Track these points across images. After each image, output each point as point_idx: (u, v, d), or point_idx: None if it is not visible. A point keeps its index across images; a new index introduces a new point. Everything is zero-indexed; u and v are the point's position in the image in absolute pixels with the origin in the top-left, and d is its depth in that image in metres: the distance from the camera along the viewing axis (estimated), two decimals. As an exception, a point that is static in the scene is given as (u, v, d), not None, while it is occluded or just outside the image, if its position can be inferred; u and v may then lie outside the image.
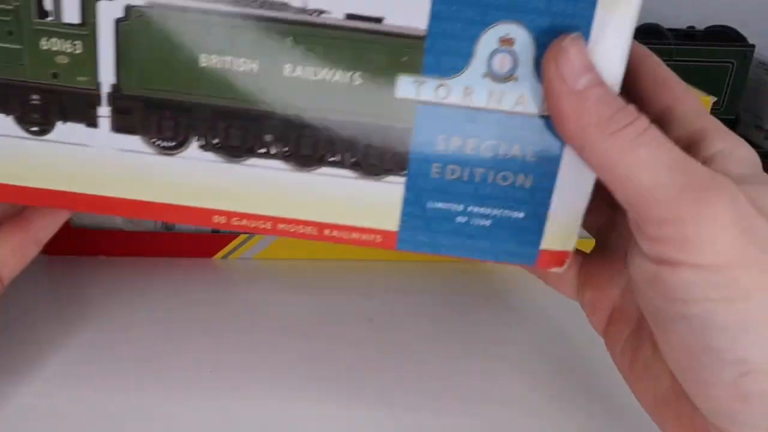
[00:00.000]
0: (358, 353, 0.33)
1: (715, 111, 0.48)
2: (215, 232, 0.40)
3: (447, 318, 0.36)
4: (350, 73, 0.22)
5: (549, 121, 0.22)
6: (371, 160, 0.23)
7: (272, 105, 0.22)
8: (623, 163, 0.20)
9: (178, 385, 0.30)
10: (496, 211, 0.23)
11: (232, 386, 0.30)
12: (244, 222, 0.24)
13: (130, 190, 0.24)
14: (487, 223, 0.23)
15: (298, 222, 0.24)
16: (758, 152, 0.54)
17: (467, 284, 0.39)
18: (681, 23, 0.55)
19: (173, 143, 0.23)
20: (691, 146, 0.22)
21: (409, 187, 0.23)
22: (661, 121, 0.23)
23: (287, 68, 0.22)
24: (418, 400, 0.30)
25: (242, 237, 0.40)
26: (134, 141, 0.23)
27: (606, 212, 0.27)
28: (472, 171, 0.23)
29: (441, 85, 0.22)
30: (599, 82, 0.21)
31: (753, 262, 0.19)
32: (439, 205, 0.23)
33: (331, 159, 0.23)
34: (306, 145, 0.23)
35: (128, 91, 0.22)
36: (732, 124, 0.51)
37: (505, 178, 0.23)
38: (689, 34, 0.54)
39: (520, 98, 0.22)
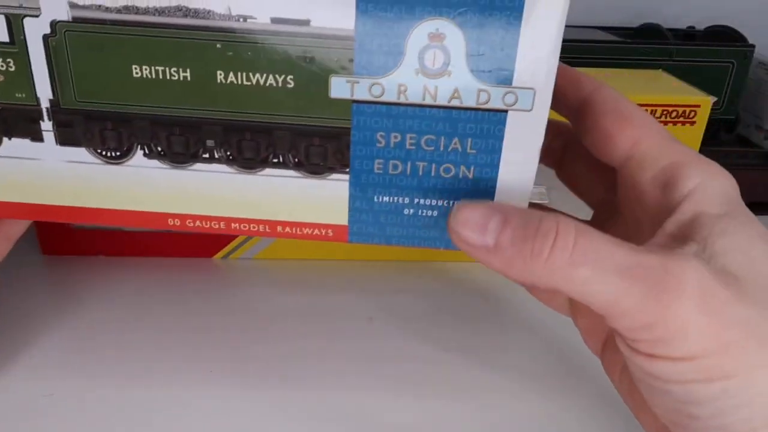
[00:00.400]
0: (358, 353, 0.33)
1: (715, 111, 0.48)
2: (215, 232, 0.40)
3: (447, 318, 0.36)
4: (282, 77, 0.22)
5: (486, 114, 0.22)
6: (313, 159, 0.23)
7: (210, 112, 0.22)
8: (572, 287, 0.20)
9: (177, 385, 0.30)
10: (441, 202, 0.23)
11: (232, 386, 0.30)
12: (198, 223, 0.24)
13: (85, 199, 0.24)
14: (435, 213, 0.23)
15: (250, 221, 0.24)
16: (758, 152, 0.54)
17: (467, 284, 0.39)
18: (681, 23, 0.55)
19: (118, 153, 0.23)
20: (665, 186, 0.22)
21: (353, 184, 0.23)
22: (630, 160, 0.23)
23: (219, 75, 0.22)
24: (418, 399, 0.30)
25: (242, 237, 0.40)
26: (81, 152, 0.23)
27: None
28: (414, 165, 0.23)
29: (374, 84, 0.22)
30: (504, 222, 0.21)
31: (729, 345, 0.19)
32: (386, 198, 0.23)
33: (275, 160, 0.23)
34: (248, 148, 0.23)
35: (66, 106, 0.22)
36: (732, 124, 0.51)
37: (447, 171, 0.23)
38: (689, 35, 0.54)
39: (455, 92, 0.22)
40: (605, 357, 0.26)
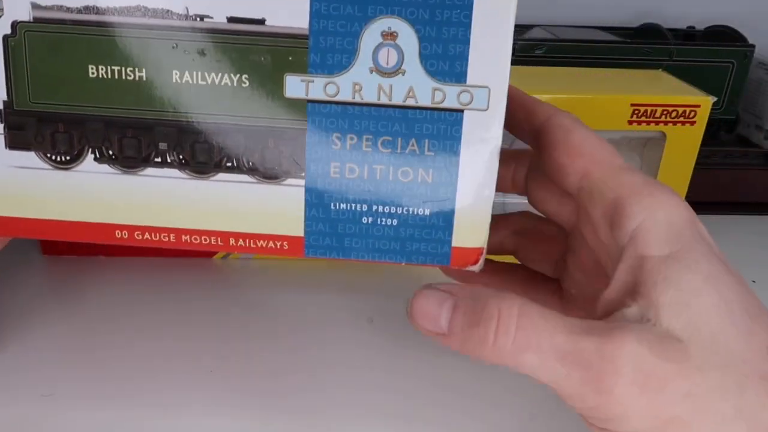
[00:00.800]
0: (358, 353, 0.33)
1: (715, 111, 0.48)
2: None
3: (447, 318, 0.36)
4: (237, 76, 0.22)
5: (443, 113, 0.22)
6: (268, 163, 0.23)
7: (164, 113, 0.22)
8: (522, 370, 0.21)
9: (177, 385, 0.30)
10: (400, 210, 0.23)
11: (232, 386, 0.30)
12: (147, 236, 0.24)
13: (28, 209, 0.23)
14: (394, 222, 0.23)
15: (201, 233, 0.24)
16: (758, 152, 0.54)
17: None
18: (681, 23, 0.55)
19: (68, 157, 0.23)
20: (612, 224, 0.22)
21: (309, 190, 0.23)
22: (581, 192, 0.23)
23: (175, 74, 0.22)
24: (418, 400, 0.30)
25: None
26: (29, 157, 0.23)
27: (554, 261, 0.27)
28: (372, 169, 0.23)
29: (329, 83, 0.22)
30: (454, 308, 0.21)
31: (670, 422, 0.20)
32: (343, 206, 0.23)
33: (228, 164, 0.23)
34: (201, 151, 0.23)
35: (20, 107, 0.22)
36: (732, 124, 0.51)
37: (405, 175, 0.23)
38: (689, 35, 0.54)
39: (410, 91, 0.22)
40: None
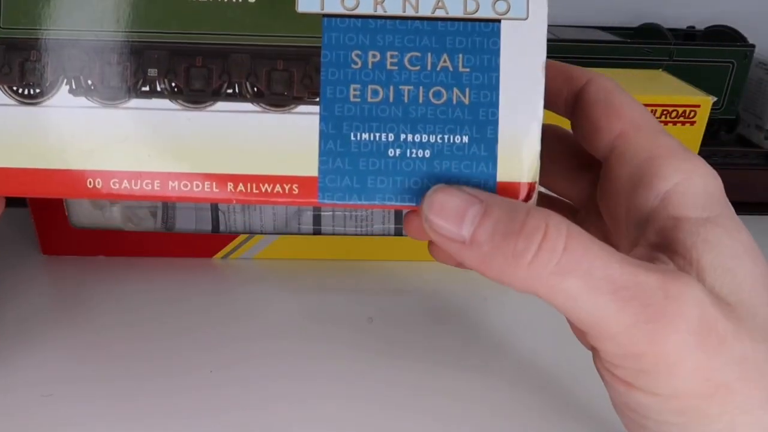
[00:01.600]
0: (358, 353, 0.33)
1: (715, 111, 0.48)
2: (215, 232, 0.40)
3: (447, 318, 0.36)
4: None
5: (477, 24, 0.20)
6: (276, 88, 0.20)
7: (155, 34, 0.20)
8: (556, 298, 0.18)
9: (177, 385, 0.30)
10: (434, 138, 0.20)
11: (232, 386, 0.30)
12: (125, 185, 0.20)
13: None
14: (427, 153, 0.20)
15: (192, 177, 0.20)
16: (758, 152, 0.54)
17: (467, 284, 0.39)
18: (681, 23, 0.55)
19: (38, 90, 0.20)
20: (639, 183, 0.21)
21: (324, 118, 0.20)
22: (612, 152, 0.22)
23: None
24: (418, 400, 0.30)
25: (242, 237, 0.40)
26: None
27: None
28: (398, 90, 0.20)
29: None
30: (484, 213, 0.18)
31: (718, 388, 0.18)
32: (365, 136, 0.20)
33: (228, 91, 0.20)
34: (197, 76, 0.20)
35: None
36: (732, 124, 0.51)
37: (438, 95, 0.20)
38: (689, 34, 0.54)
39: (439, 1, 0.20)
40: (595, 354, 0.26)
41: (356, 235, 0.40)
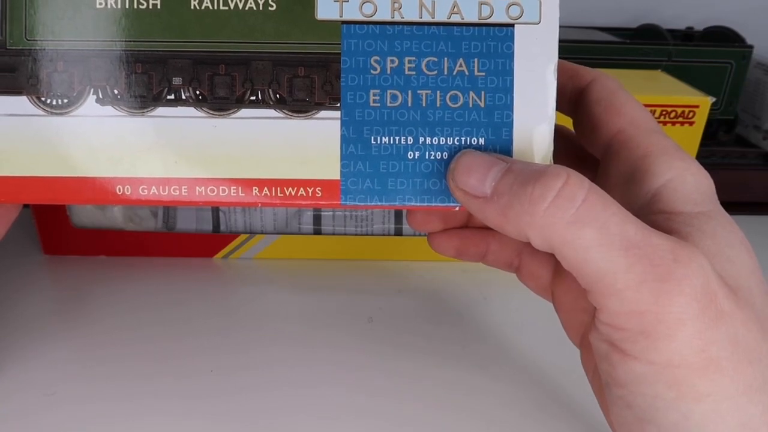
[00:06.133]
0: (358, 353, 0.33)
1: (714, 111, 0.48)
2: (216, 232, 0.40)
3: (447, 318, 0.36)
4: None
5: (492, 29, 0.21)
6: (298, 94, 0.21)
7: (179, 43, 0.20)
8: (568, 248, 0.18)
9: (178, 385, 0.30)
10: (451, 140, 0.21)
11: (232, 386, 0.30)
12: (153, 191, 0.21)
13: (15, 165, 0.21)
14: (445, 155, 0.21)
15: (219, 182, 0.21)
16: (757, 152, 0.54)
17: (467, 284, 0.39)
18: (680, 24, 0.55)
19: (65, 100, 0.21)
20: (637, 177, 0.21)
21: (345, 123, 0.21)
22: (609, 149, 0.23)
23: (194, 1, 0.20)
24: (418, 400, 0.30)
25: (242, 237, 0.40)
26: (19, 102, 0.20)
27: None
28: (416, 94, 0.21)
29: (366, 2, 0.20)
30: (506, 171, 0.19)
31: (710, 363, 0.18)
32: (385, 139, 0.21)
33: (252, 98, 0.21)
34: (221, 84, 0.21)
35: (13, 46, 0.20)
36: (731, 125, 0.51)
37: (454, 99, 0.21)
38: (688, 35, 0.54)
39: (454, 7, 0.20)
40: (584, 350, 0.25)
41: (356, 235, 0.40)
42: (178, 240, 0.40)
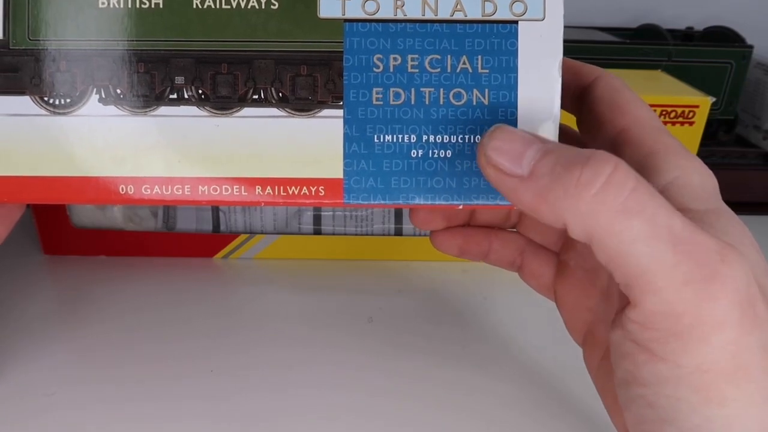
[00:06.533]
0: (358, 353, 0.33)
1: (714, 111, 0.48)
2: (216, 232, 0.40)
3: (447, 318, 0.36)
4: None
5: (495, 26, 0.21)
6: (300, 92, 0.21)
7: (182, 42, 0.20)
8: (612, 239, 0.17)
9: (178, 385, 0.30)
10: (455, 138, 0.21)
11: (232, 386, 0.30)
12: (156, 190, 0.21)
13: (18, 165, 0.21)
14: (448, 153, 0.21)
15: (221, 181, 0.21)
16: (757, 152, 0.54)
17: (467, 284, 0.39)
18: (680, 24, 0.55)
19: (69, 100, 0.21)
20: (643, 175, 0.20)
21: (348, 121, 0.21)
22: (613, 148, 0.22)
23: (196, 0, 0.20)
24: (418, 400, 0.30)
25: (242, 237, 0.40)
26: (22, 102, 0.21)
27: (558, 232, 0.26)
28: (419, 92, 0.20)
29: None
30: (546, 150, 0.18)
31: (740, 369, 0.17)
32: (388, 138, 0.21)
33: (254, 97, 0.21)
34: (223, 83, 0.21)
35: (17, 46, 0.20)
36: (731, 125, 0.51)
37: (458, 97, 0.21)
38: (688, 35, 0.54)
39: (457, 4, 0.20)
40: (586, 348, 0.25)
41: (356, 235, 0.40)
42: (178, 240, 0.40)
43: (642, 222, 0.17)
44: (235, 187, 0.21)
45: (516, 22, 0.20)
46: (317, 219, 0.40)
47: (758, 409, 0.18)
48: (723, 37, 0.51)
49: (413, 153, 0.21)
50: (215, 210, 0.39)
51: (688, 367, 0.18)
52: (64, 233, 0.39)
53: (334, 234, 0.40)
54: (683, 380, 0.18)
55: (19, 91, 0.21)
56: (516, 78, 0.20)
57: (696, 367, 0.18)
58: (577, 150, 0.18)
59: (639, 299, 0.18)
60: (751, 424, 0.18)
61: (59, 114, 0.21)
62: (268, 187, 0.21)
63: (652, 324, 0.18)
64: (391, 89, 0.20)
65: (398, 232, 0.40)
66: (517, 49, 0.20)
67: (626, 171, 0.17)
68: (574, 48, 0.49)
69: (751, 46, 0.49)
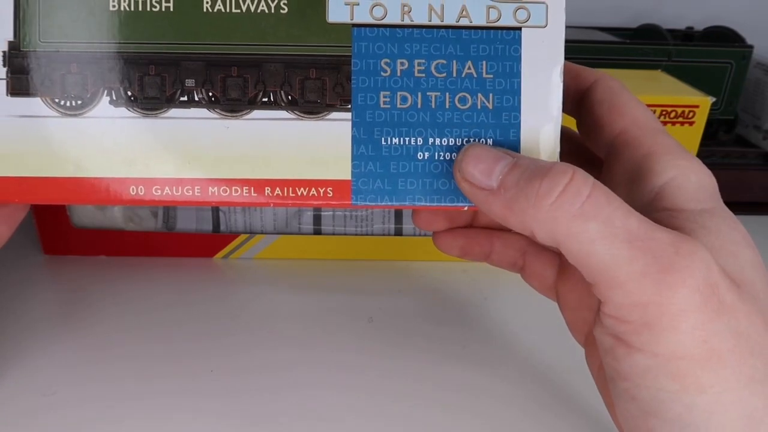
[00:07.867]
0: (358, 353, 0.33)
1: (714, 111, 0.48)
2: (216, 232, 0.40)
3: (447, 318, 0.36)
4: (275, 2, 0.21)
5: (499, 32, 0.21)
6: (309, 95, 0.21)
7: (192, 45, 0.21)
8: (573, 242, 0.19)
9: (178, 385, 0.30)
10: (460, 141, 0.21)
11: (233, 386, 0.30)
12: (167, 191, 0.21)
13: (30, 166, 0.21)
14: (453, 156, 0.21)
15: (232, 182, 0.21)
16: (757, 152, 0.54)
17: (468, 284, 0.39)
18: (680, 24, 0.55)
19: (80, 101, 0.21)
20: (641, 175, 0.21)
21: (356, 124, 0.21)
22: (611, 149, 0.23)
23: (206, 3, 0.21)
24: (418, 400, 0.30)
25: (242, 237, 0.40)
26: (33, 104, 0.21)
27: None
28: (426, 96, 0.21)
29: (376, 5, 0.21)
30: (513, 165, 0.20)
31: (713, 355, 0.18)
32: (395, 140, 0.21)
33: (264, 100, 0.21)
34: (233, 86, 0.21)
35: (27, 48, 0.21)
36: (731, 125, 0.51)
37: (463, 101, 0.21)
38: (688, 35, 0.54)
39: (463, 10, 0.21)
40: (589, 348, 0.26)
41: (356, 235, 0.40)
42: (178, 240, 0.40)
43: (598, 224, 0.18)
44: (244, 188, 0.21)
45: (519, 28, 0.21)
46: (317, 219, 0.40)
47: (735, 394, 0.19)
48: (723, 37, 0.51)
49: (420, 155, 0.21)
50: (215, 210, 0.39)
51: (664, 355, 0.18)
52: (64, 233, 0.39)
53: (334, 234, 0.40)
54: (661, 369, 0.19)
55: (30, 93, 0.21)
56: (519, 83, 0.21)
57: (670, 354, 0.18)
58: (541, 163, 0.19)
59: (606, 295, 0.19)
60: (731, 409, 0.19)
61: (70, 116, 0.21)
62: (277, 189, 0.21)
63: (623, 316, 0.19)
64: (399, 93, 0.21)
65: (398, 232, 0.40)
66: (520, 55, 0.21)
67: (582, 179, 0.19)
68: (575, 48, 0.49)
69: (751, 46, 0.49)
